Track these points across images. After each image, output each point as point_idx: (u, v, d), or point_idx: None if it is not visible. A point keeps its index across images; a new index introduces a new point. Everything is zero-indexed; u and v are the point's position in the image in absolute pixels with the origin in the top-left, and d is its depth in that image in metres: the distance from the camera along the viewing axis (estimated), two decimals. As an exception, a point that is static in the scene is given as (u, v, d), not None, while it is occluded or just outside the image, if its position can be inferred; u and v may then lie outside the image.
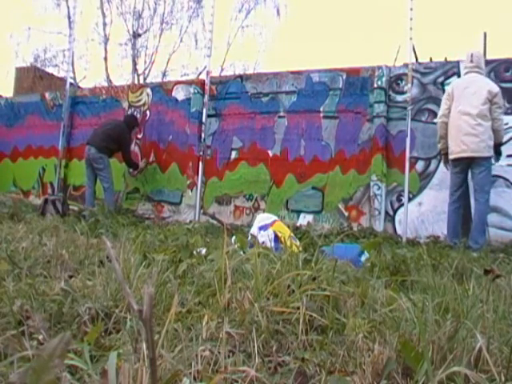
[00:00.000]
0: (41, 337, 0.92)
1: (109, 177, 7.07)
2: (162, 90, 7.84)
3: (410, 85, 5.87)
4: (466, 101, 4.94)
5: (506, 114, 5.55)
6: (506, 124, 5.53)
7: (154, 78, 17.36)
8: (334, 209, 6.26)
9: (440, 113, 5.24)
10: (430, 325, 0.98)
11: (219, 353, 0.92)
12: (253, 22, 18.28)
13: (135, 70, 17.50)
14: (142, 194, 7.64)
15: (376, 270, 1.81)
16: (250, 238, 2.60)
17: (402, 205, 5.84)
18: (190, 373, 0.84)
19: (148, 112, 7.85)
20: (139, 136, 7.87)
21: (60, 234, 2.31)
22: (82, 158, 8.23)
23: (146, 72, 17.80)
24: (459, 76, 5.79)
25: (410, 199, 5.79)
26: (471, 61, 5.15)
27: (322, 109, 6.56)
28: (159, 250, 1.97)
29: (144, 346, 0.75)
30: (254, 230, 3.05)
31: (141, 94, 7.96)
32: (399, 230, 5.84)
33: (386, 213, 6.02)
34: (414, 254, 2.45)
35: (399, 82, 6.21)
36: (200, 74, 15.91)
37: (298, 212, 6.51)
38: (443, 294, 1.35)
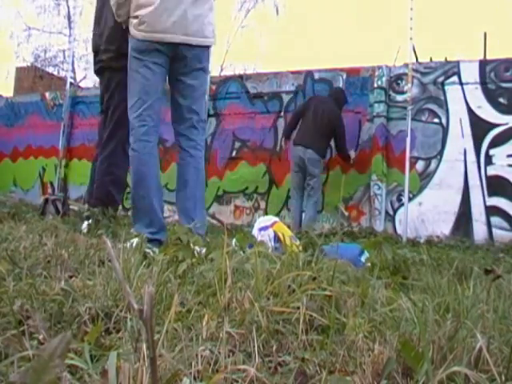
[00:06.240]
0: (41, 337, 0.92)
1: None
2: (162, 90, 7.83)
3: (410, 85, 5.87)
4: None
5: (507, 113, 5.55)
6: (507, 124, 5.53)
7: (154, 77, 17.30)
8: (334, 209, 6.26)
9: None
10: (430, 325, 0.98)
11: (219, 353, 0.92)
12: (252, 22, 18.27)
13: (135, 69, 17.45)
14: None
15: (376, 269, 1.81)
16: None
17: (402, 205, 5.84)
18: (190, 372, 0.84)
19: (148, 112, 7.83)
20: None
21: (60, 234, 2.31)
22: (82, 158, 8.25)
23: (146, 72, 17.75)
24: (459, 76, 5.79)
25: (410, 199, 5.80)
26: None
27: (322, 109, 6.55)
28: (159, 249, 1.97)
29: (144, 345, 0.75)
30: (254, 231, 3.06)
31: (141, 93, 7.94)
32: (399, 230, 5.84)
33: (386, 213, 6.02)
34: (415, 254, 2.45)
35: (399, 81, 6.21)
36: (200, 73, 15.86)
37: (298, 212, 6.49)
38: (443, 293, 1.35)
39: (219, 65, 17.38)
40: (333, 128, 5.84)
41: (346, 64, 6.87)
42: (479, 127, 5.63)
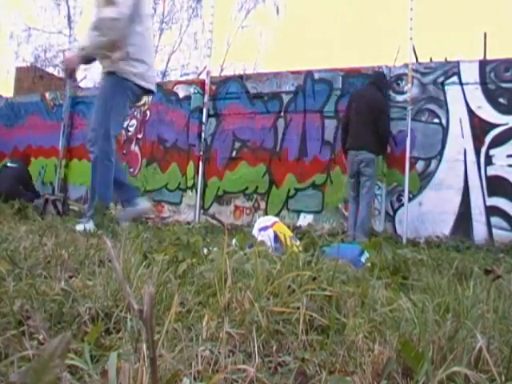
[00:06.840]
0: (41, 337, 0.92)
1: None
2: (162, 90, 7.84)
3: (410, 85, 5.88)
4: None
5: (507, 113, 5.55)
6: (507, 124, 5.53)
7: (154, 78, 17.31)
8: (334, 209, 6.25)
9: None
10: (430, 325, 0.98)
11: (219, 353, 0.92)
12: (253, 22, 18.29)
13: (135, 70, 17.45)
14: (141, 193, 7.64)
15: (376, 270, 1.81)
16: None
17: (402, 205, 5.84)
18: (190, 373, 0.84)
19: (148, 112, 7.85)
20: (139, 136, 7.88)
21: (60, 234, 2.31)
22: (82, 158, 8.25)
23: (146, 72, 17.76)
24: (459, 76, 5.80)
25: (410, 199, 5.79)
26: None
27: (322, 109, 6.56)
28: (159, 250, 1.97)
29: (144, 345, 0.75)
30: (254, 231, 3.05)
31: (141, 93, 7.95)
32: (399, 230, 5.84)
33: (386, 213, 6.02)
34: (415, 254, 2.45)
35: (399, 81, 6.21)
36: (200, 74, 15.90)
37: (298, 212, 6.51)
38: (443, 294, 1.35)
39: (219, 65, 17.40)
40: (375, 116, 5.51)
41: (345, 64, 6.88)
42: (479, 127, 5.63)
